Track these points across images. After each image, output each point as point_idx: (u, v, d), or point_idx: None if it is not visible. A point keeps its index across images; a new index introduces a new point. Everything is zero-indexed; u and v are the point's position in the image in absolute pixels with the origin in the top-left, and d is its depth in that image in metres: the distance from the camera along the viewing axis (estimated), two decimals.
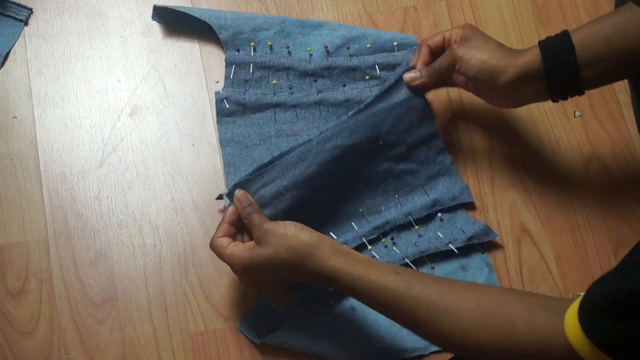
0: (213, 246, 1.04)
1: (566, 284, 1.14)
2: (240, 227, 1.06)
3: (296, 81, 1.21)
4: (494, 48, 1.07)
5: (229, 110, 1.19)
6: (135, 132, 1.20)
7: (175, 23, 1.23)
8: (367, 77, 1.21)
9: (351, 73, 1.22)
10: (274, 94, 1.20)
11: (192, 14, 1.21)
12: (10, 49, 1.22)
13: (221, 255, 1.03)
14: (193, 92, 1.22)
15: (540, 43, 1.04)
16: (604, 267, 1.15)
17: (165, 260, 1.13)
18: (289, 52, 1.22)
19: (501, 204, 1.18)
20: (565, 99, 1.05)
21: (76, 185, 1.16)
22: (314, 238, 0.99)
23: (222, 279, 1.13)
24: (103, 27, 1.24)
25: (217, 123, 1.19)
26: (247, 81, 1.20)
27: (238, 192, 1.05)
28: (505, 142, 1.21)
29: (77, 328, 1.10)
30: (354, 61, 1.22)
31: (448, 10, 1.28)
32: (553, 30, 1.06)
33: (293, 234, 0.99)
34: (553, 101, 1.06)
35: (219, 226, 1.05)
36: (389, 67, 1.21)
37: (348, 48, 1.22)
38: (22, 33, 1.23)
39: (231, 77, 1.20)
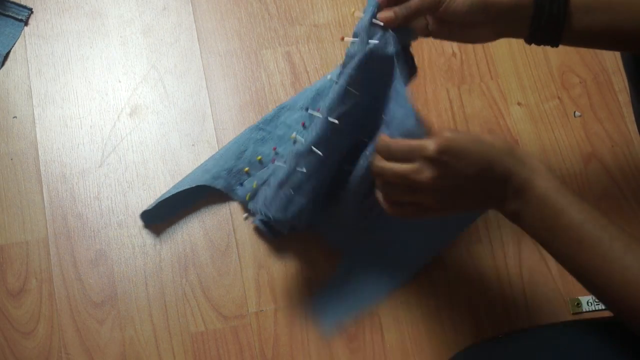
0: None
1: (566, 284, 1.14)
2: None
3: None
4: None
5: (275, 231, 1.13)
6: (135, 132, 1.20)
7: (170, 212, 1.15)
8: None
9: None
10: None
11: (180, 189, 1.14)
12: (10, 49, 1.22)
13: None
14: (193, 92, 1.22)
15: None
16: None
17: (165, 260, 1.13)
18: (276, 153, 1.16)
19: None
20: (538, 43, 0.98)
21: (76, 185, 1.16)
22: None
23: (222, 279, 1.13)
24: (103, 27, 1.24)
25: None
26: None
27: None
28: None
29: (77, 328, 1.10)
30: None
31: None
32: None
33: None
34: (526, 42, 0.98)
35: None
36: None
37: (318, 110, 1.15)
38: (22, 33, 1.23)
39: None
